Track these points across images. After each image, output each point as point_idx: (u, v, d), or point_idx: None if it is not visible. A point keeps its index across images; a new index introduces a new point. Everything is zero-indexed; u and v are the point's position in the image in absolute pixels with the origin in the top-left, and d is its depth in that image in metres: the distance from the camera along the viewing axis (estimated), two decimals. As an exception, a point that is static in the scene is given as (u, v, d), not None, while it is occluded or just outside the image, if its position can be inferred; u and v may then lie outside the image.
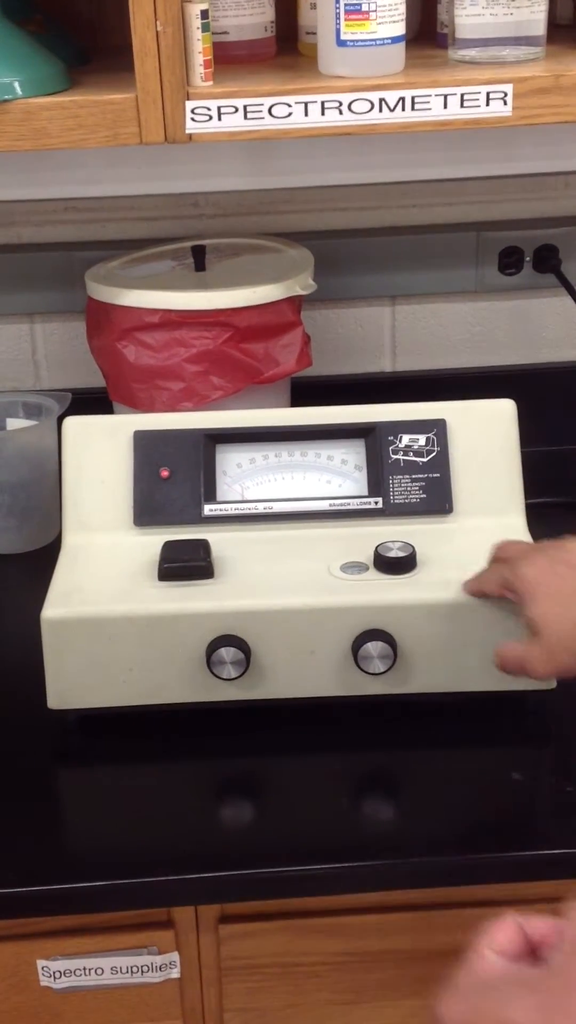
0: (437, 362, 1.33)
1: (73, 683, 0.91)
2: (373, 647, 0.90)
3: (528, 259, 1.28)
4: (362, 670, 0.90)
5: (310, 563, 0.94)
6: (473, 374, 1.33)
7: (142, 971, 0.85)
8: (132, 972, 0.84)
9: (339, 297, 1.29)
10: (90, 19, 1.16)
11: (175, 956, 0.85)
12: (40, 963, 0.84)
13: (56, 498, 1.17)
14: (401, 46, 0.94)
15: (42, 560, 1.05)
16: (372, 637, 0.90)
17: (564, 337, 1.32)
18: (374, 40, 0.92)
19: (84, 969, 0.84)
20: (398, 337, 1.32)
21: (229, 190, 1.25)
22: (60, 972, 0.84)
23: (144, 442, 0.99)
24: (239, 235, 1.24)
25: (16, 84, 0.91)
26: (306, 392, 1.19)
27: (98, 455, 0.99)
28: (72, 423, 1.00)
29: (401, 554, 0.93)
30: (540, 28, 0.97)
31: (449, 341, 1.33)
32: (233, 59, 1.01)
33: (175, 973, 0.85)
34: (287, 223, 1.26)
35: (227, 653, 0.90)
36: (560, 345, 1.33)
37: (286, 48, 1.07)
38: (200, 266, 1.15)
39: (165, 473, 0.99)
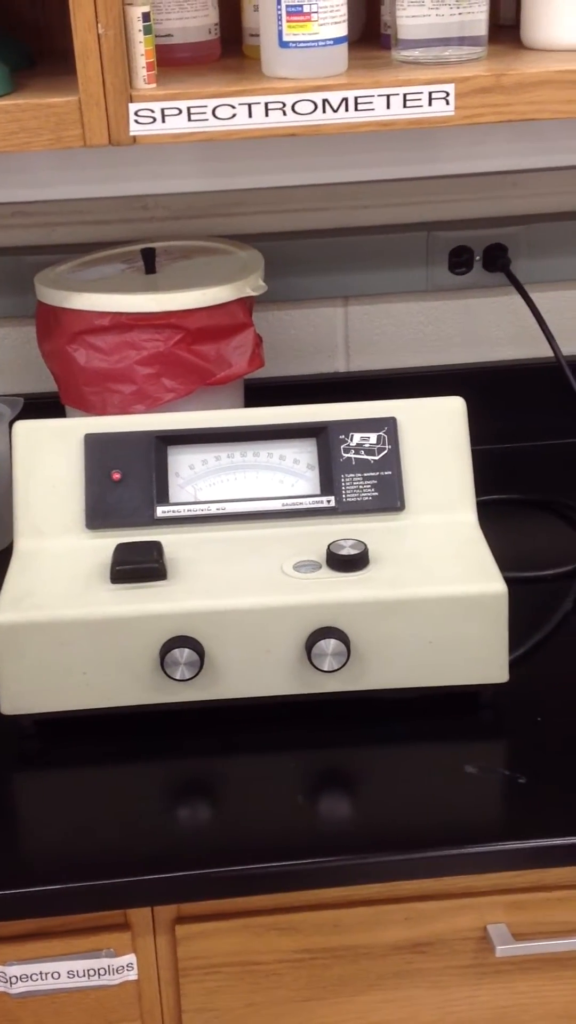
0: (390, 361, 1.34)
1: (27, 688, 0.91)
2: (326, 645, 0.90)
3: (478, 258, 1.29)
4: (316, 668, 0.90)
5: (263, 562, 0.95)
6: (426, 373, 1.34)
7: (99, 974, 0.84)
8: (89, 975, 0.84)
9: (291, 298, 1.29)
10: (34, 22, 1.16)
11: (132, 958, 0.85)
12: (-3, 968, 0.84)
13: (9, 503, 1.17)
14: (344, 47, 0.95)
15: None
16: (325, 635, 0.90)
17: (514, 335, 1.34)
18: (316, 41, 0.92)
19: (41, 974, 0.84)
20: (351, 337, 1.33)
21: (179, 192, 1.25)
22: (16, 977, 0.84)
23: (95, 445, 0.99)
24: (189, 237, 1.24)
25: (-41, 88, 0.91)
26: (259, 393, 1.19)
27: (49, 459, 0.99)
28: (22, 427, 1.00)
29: (353, 552, 0.93)
30: (482, 28, 0.98)
31: (401, 340, 1.33)
32: (177, 61, 1.02)
33: (132, 975, 0.85)
34: (237, 225, 1.27)
35: (181, 654, 0.90)
36: (510, 343, 1.34)
37: (231, 50, 1.07)
38: (150, 269, 1.15)
39: (117, 476, 0.99)
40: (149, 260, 1.15)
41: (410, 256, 1.29)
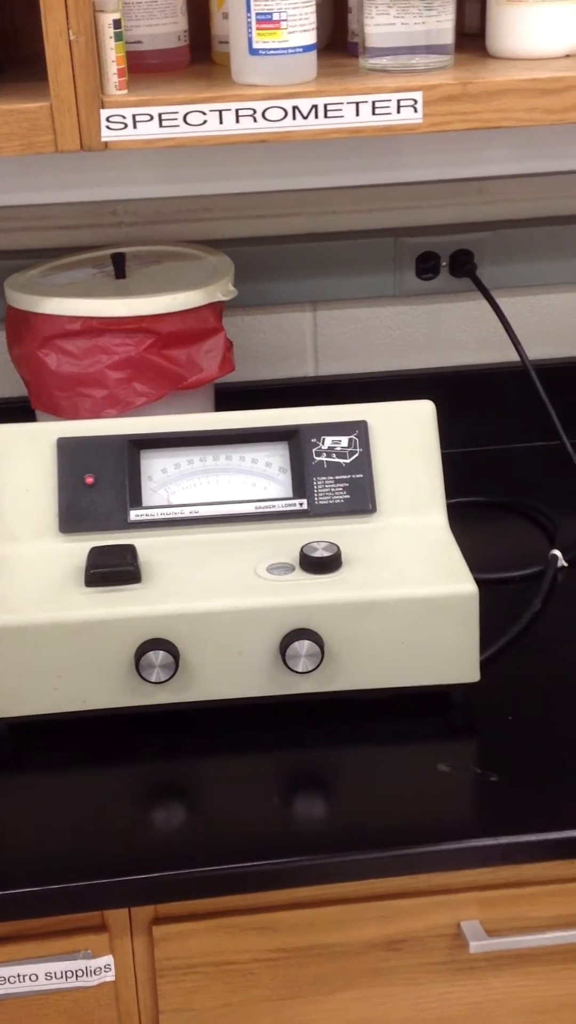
0: (359, 366, 1.35)
1: (2, 691, 0.91)
2: (300, 646, 0.91)
3: (444, 264, 1.30)
4: (290, 669, 0.91)
5: (237, 565, 0.95)
6: (393, 377, 1.35)
7: (76, 975, 0.85)
8: (67, 977, 0.85)
9: (260, 303, 1.30)
10: (2, 28, 1.16)
11: (109, 959, 0.85)
12: (-27, 972, 0.84)
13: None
14: (313, 55, 0.96)
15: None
16: (299, 636, 0.91)
17: (480, 340, 1.35)
18: (286, 49, 0.93)
19: (19, 976, 0.84)
20: (320, 342, 1.34)
21: (147, 197, 1.26)
22: (-6, 980, 0.84)
23: (68, 449, 1.00)
24: (157, 243, 1.25)
25: None
26: (230, 398, 1.20)
27: (21, 463, 0.99)
28: (-6, 432, 1.00)
29: (326, 554, 0.94)
30: (448, 37, 0.99)
31: (370, 345, 1.34)
32: (147, 68, 1.02)
33: (110, 976, 0.86)
34: (205, 231, 1.28)
35: (156, 657, 0.90)
36: (476, 348, 1.36)
37: (200, 57, 1.08)
38: (120, 273, 1.15)
39: (90, 480, 0.99)
40: (119, 265, 1.15)
41: (378, 262, 1.30)
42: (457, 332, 1.35)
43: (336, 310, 1.33)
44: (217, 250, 1.21)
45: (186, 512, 0.99)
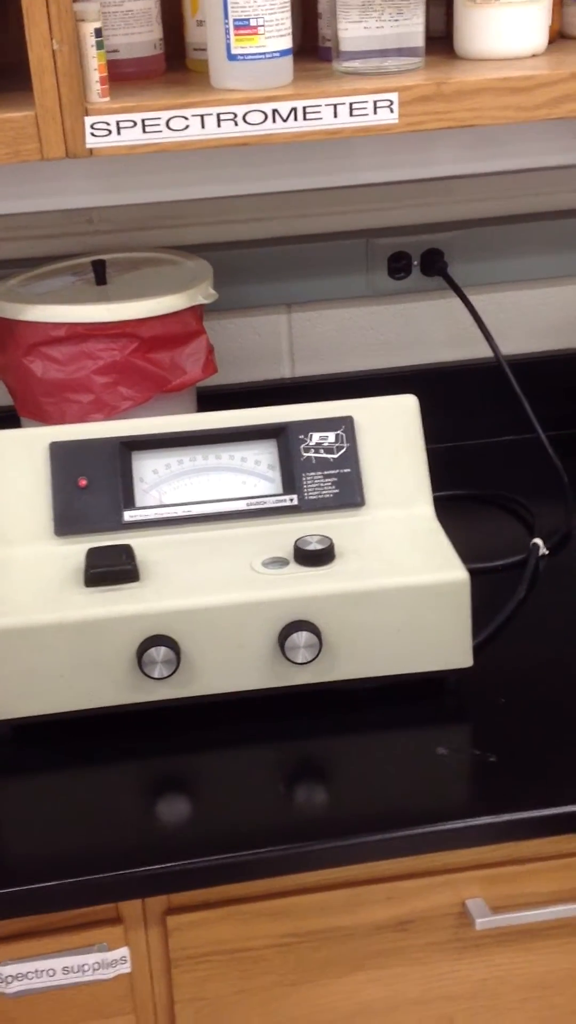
0: (334, 366, 1.37)
1: (5, 693, 0.92)
2: (299, 637, 0.93)
3: (416, 263, 1.33)
4: (289, 660, 0.93)
5: (232, 561, 0.97)
6: (369, 376, 1.37)
7: (93, 969, 0.86)
8: (84, 970, 0.86)
9: (235, 307, 1.32)
10: (-23, 42, 1.17)
11: (125, 951, 0.86)
12: (-9, 970, 0.85)
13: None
14: (289, 59, 0.98)
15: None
16: (297, 628, 0.93)
17: (453, 337, 1.38)
18: (264, 54, 0.96)
19: (36, 971, 0.85)
20: (295, 343, 1.36)
21: (122, 204, 1.27)
22: (12, 976, 0.85)
23: (60, 453, 1.01)
24: (133, 250, 1.26)
25: None
26: (211, 401, 1.22)
27: (15, 468, 1.01)
28: (-14, 438, 1.01)
29: (320, 547, 0.96)
30: (419, 40, 1.02)
31: (345, 345, 1.37)
32: (124, 76, 1.04)
33: (126, 968, 0.87)
34: (180, 237, 1.29)
35: (157, 653, 0.92)
36: (449, 345, 1.38)
37: (173, 65, 1.10)
38: (101, 280, 1.17)
39: (83, 482, 1.00)
40: (100, 272, 1.17)
41: (350, 263, 1.32)
42: (430, 330, 1.37)
43: (311, 311, 1.35)
44: (194, 255, 1.23)
45: (179, 511, 1.01)
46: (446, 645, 0.96)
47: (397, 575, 0.95)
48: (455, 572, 0.95)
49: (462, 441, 1.38)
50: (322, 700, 0.96)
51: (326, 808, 0.90)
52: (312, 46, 1.12)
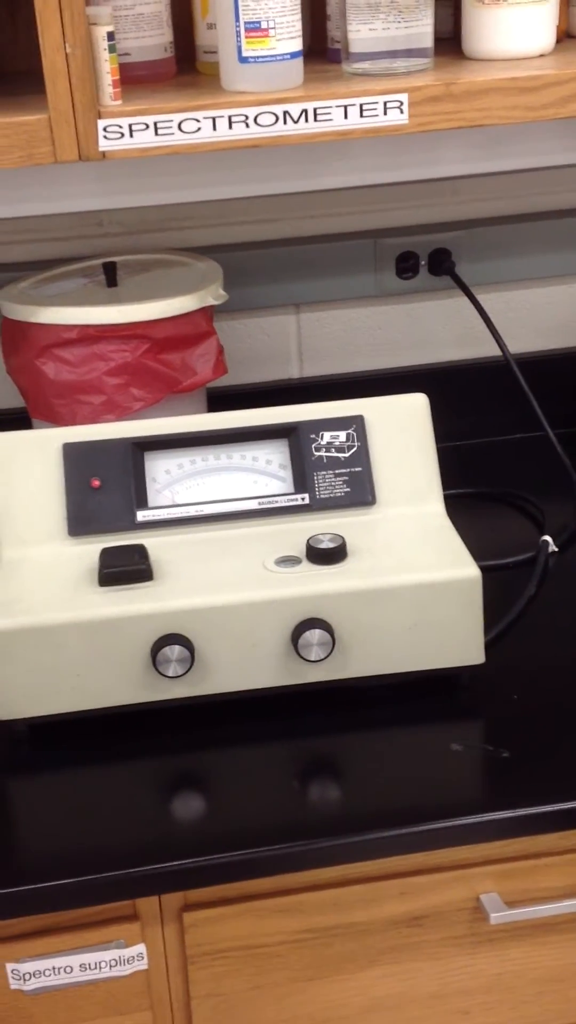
0: (343, 366, 1.38)
1: (21, 692, 0.93)
2: (312, 635, 0.93)
3: (424, 263, 1.33)
4: (303, 658, 0.94)
5: (245, 560, 0.98)
6: (378, 376, 1.38)
7: (111, 965, 0.86)
8: (101, 967, 0.86)
9: (244, 308, 1.32)
10: (-13, 46, 1.18)
11: (142, 948, 0.87)
12: (9, 967, 0.86)
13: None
14: (299, 61, 0.99)
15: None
16: (310, 626, 0.93)
17: (460, 336, 1.38)
18: (274, 56, 0.96)
19: (54, 969, 0.86)
20: (304, 343, 1.36)
21: (131, 207, 1.28)
22: (30, 974, 0.85)
23: (73, 454, 1.01)
24: (143, 252, 1.27)
25: None
26: (221, 401, 1.22)
27: (28, 469, 1.01)
28: (0, 439, 1.02)
29: (332, 545, 0.97)
30: (428, 41, 1.02)
31: (353, 345, 1.37)
32: (135, 79, 1.05)
33: (143, 965, 0.87)
34: (189, 238, 1.30)
35: (172, 652, 0.92)
36: (457, 344, 1.39)
37: (183, 68, 1.10)
38: (112, 282, 1.18)
39: (96, 483, 1.01)
40: (110, 274, 1.18)
41: (358, 263, 1.33)
42: (438, 329, 1.38)
43: (319, 312, 1.36)
44: (204, 256, 1.23)
45: (191, 511, 1.02)
46: (458, 642, 0.97)
47: (409, 572, 0.95)
48: (467, 569, 0.96)
49: (471, 440, 1.38)
50: (335, 697, 0.97)
51: (340, 804, 0.90)
52: (321, 48, 1.12)
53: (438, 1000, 0.94)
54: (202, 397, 1.21)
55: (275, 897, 0.88)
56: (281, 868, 0.87)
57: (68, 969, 0.86)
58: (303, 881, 0.89)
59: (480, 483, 1.30)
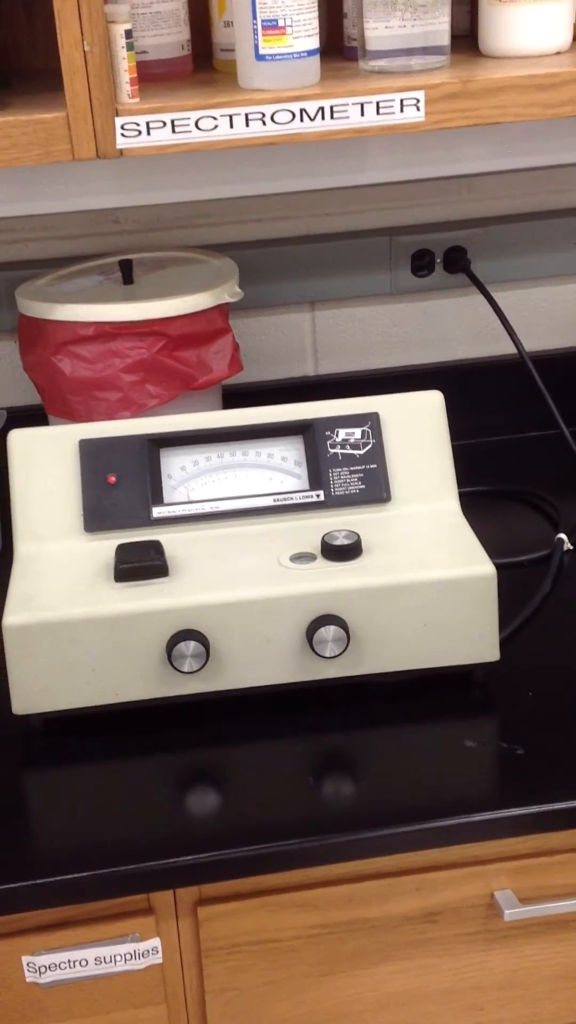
0: (357, 363, 1.38)
1: (37, 687, 0.94)
2: (327, 631, 0.93)
3: (439, 261, 1.33)
4: (317, 654, 0.94)
5: (260, 556, 0.98)
6: (392, 373, 1.38)
7: (125, 959, 0.87)
8: (116, 961, 0.87)
9: (259, 305, 1.33)
10: (4, 45, 1.19)
11: (157, 942, 0.87)
12: (25, 959, 0.86)
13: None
14: (316, 59, 0.99)
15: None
16: (326, 622, 0.93)
17: (475, 334, 1.38)
18: (291, 54, 0.96)
19: (69, 962, 0.86)
20: (319, 341, 1.37)
21: (147, 204, 1.28)
22: (45, 967, 0.86)
23: (90, 450, 1.02)
24: (158, 249, 1.27)
25: (-54, 107, 0.94)
26: (235, 398, 1.23)
27: (45, 465, 1.02)
28: (18, 435, 1.02)
29: (347, 542, 0.97)
30: (445, 38, 1.03)
31: (368, 343, 1.37)
32: (152, 77, 1.05)
33: (157, 958, 0.88)
34: (205, 236, 1.30)
35: (187, 647, 0.93)
36: (471, 342, 1.39)
37: (200, 65, 1.10)
38: (128, 279, 1.18)
39: (112, 479, 1.01)
40: (127, 271, 1.18)
41: (374, 261, 1.33)
42: (452, 327, 1.38)
43: (334, 309, 1.36)
44: (219, 253, 1.24)
45: (207, 507, 1.02)
46: (473, 639, 0.97)
47: (424, 569, 0.96)
48: (482, 566, 0.96)
49: (485, 437, 1.38)
50: (350, 694, 0.97)
51: (355, 800, 0.90)
52: (336, 45, 1.13)
53: (452, 996, 0.94)
54: (217, 394, 1.21)
55: (290, 892, 0.89)
56: (296, 863, 0.87)
57: (83, 962, 0.86)
58: (318, 876, 0.89)
59: (495, 481, 1.30)
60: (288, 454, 1.04)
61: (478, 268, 1.33)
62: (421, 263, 1.33)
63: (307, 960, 0.91)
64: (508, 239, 1.34)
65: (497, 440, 1.39)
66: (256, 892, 0.88)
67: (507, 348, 1.32)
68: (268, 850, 0.85)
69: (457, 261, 1.33)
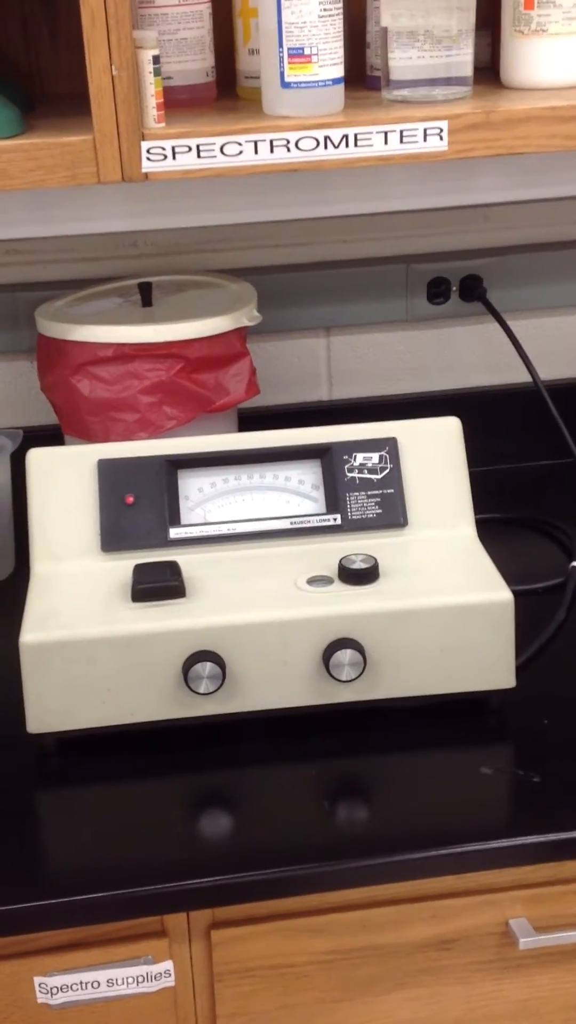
0: (372, 389, 1.39)
1: (53, 706, 0.93)
2: (343, 655, 0.93)
3: (455, 289, 1.34)
4: (334, 678, 0.94)
5: (277, 579, 0.98)
6: (407, 400, 1.38)
7: (138, 981, 0.86)
8: (128, 983, 0.86)
9: (275, 330, 1.33)
10: (28, 68, 1.20)
11: (170, 964, 0.87)
12: (37, 980, 0.86)
13: (10, 533, 1.19)
14: (340, 87, 1.00)
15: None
16: (342, 646, 0.93)
17: (490, 362, 1.39)
18: (316, 82, 0.97)
19: (81, 983, 0.86)
20: (333, 367, 1.37)
21: (166, 228, 1.29)
22: (57, 988, 0.85)
23: (108, 470, 1.02)
24: (177, 273, 1.28)
25: (-26, 129, 0.95)
26: (250, 422, 1.23)
27: (63, 485, 1.02)
28: (36, 455, 1.03)
29: (364, 566, 0.97)
30: (468, 69, 1.04)
31: (382, 369, 1.38)
32: (177, 103, 1.06)
33: (170, 981, 0.87)
34: (223, 260, 1.31)
35: (203, 668, 0.92)
36: (486, 370, 1.39)
37: (223, 93, 1.12)
38: (147, 302, 1.19)
39: (130, 499, 1.02)
40: (146, 293, 1.19)
41: (390, 288, 1.34)
42: (468, 355, 1.39)
43: (349, 335, 1.37)
44: (237, 278, 1.25)
45: (224, 529, 1.02)
46: (489, 665, 0.97)
47: (441, 595, 0.96)
48: (499, 592, 0.96)
49: (499, 465, 1.39)
50: (365, 718, 0.97)
51: (370, 825, 0.90)
52: (358, 75, 1.14)
53: (464, 1025, 0.94)
54: (233, 417, 1.22)
55: (304, 917, 0.88)
56: (310, 888, 0.87)
57: (95, 984, 0.86)
58: (332, 901, 0.89)
59: (509, 509, 1.30)
60: (306, 477, 1.04)
61: (494, 297, 1.34)
62: (437, 291, 1.34)
63: (320, 986, 0.90)
64: (524, 268, 1.34)
65: (511, 468, 1.39)
66: (270, 916, 0.88)
67: (522, 376, 1.32)
68: (283, 874, 0.85)
69: (473, 289, 1.34)
